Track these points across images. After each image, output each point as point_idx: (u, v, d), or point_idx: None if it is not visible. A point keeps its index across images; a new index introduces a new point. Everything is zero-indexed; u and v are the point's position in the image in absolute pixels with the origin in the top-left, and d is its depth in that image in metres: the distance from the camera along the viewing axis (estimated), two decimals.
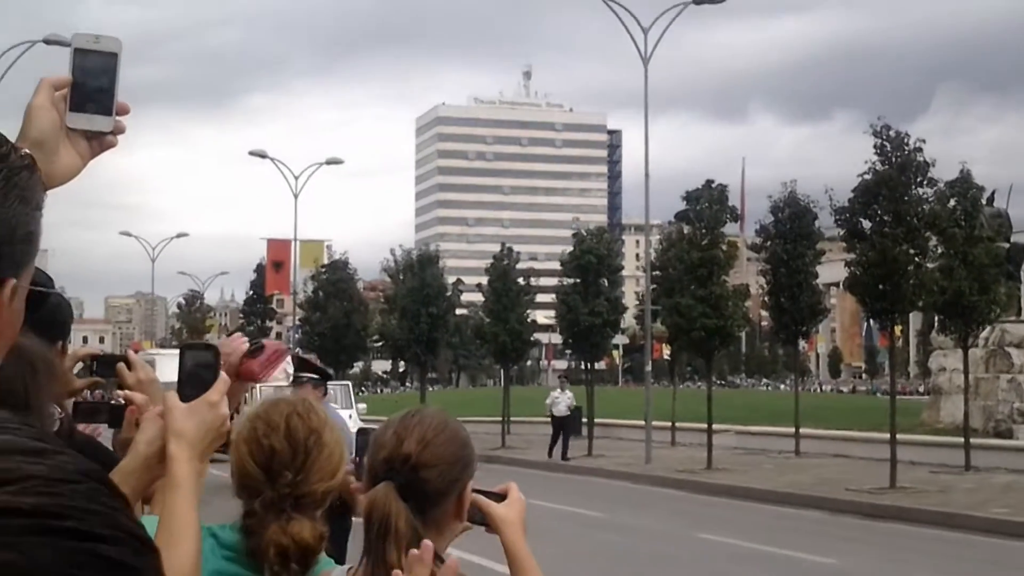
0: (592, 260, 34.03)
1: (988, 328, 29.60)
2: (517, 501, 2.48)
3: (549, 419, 31.61)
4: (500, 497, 2.47)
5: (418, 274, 44.32)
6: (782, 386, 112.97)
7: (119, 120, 1.75)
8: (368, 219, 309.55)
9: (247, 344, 2.77)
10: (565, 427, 30.83)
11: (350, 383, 23.79)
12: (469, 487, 2.29)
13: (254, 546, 2.32)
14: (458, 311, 51.58)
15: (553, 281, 39.44)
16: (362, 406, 25.73)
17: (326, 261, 54.83)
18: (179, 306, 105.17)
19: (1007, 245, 31.52)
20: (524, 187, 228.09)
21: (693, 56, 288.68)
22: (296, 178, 55.83)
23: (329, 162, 56.42)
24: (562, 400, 31.09)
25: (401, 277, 46.47)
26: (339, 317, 48.90)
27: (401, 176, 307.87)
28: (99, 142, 1.74)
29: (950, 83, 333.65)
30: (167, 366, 9.87)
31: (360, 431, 2.84)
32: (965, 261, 23.53)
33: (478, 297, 43.38)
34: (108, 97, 1.74)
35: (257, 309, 69.98)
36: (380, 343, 51.58)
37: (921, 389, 75.58)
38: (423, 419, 2.28)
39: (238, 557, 2.36)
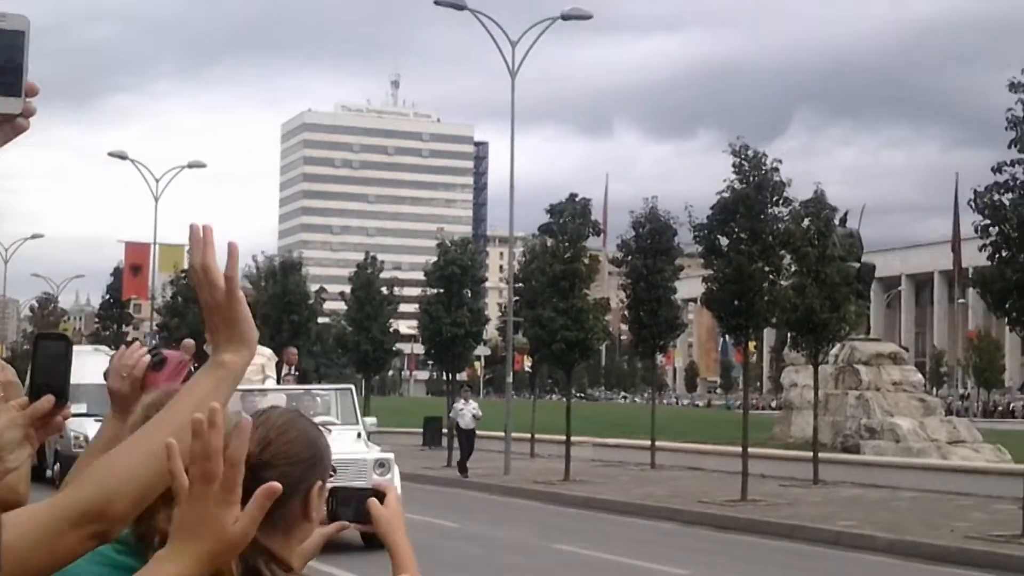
0: (456, 271, 34.13)
1: (838, 345, 30.45)
2: (396, 500, 2.51)
3: (454, 431, 30.28)
4: (378, 494, 2.48)
5: (280, 281, 43.92)
6: (640, 399, 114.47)
7: (29, 102, 1.64)
8: (231, 225, 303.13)
9: (148, 357, 2.76)
10: (471, 439, 29.32)
11: (353, 387, 20.43)
12: (318, 488, 2.27)
13: (142, 533, 2.32)
14: (320, 319, 51.11)
15: (417, 291, 39.42)
16: (372, 420, 20.56)
17: (186, 266, 54.03)
18: (32, 309, 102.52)
19: (858, 265, 32.47)
20: (390, 196, 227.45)
21: (561, 71, 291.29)
22: (157, 181, 54.92)
23: (191, 165, 55.64)
24: (467, 411, 29.57)
25: (263, 284, 45.96)
26: (197, 323, 48.11)
27: (266, 182, 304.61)
28: (11, 126, 1.64)
29: (808, 106, 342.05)
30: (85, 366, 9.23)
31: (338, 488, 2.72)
32: (817, 280, 24.17)
33: (341, 305, 43.10)
34: (16, 77, 1.63)
35: (113, 313, 68.55)
36: None
37: (774, 404, 77.19)
38: (268, 420, 2.28)
39: (129, 549, 2.35)
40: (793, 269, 24.55)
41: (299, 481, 2.23)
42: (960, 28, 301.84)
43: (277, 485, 1.76)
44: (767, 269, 22.95)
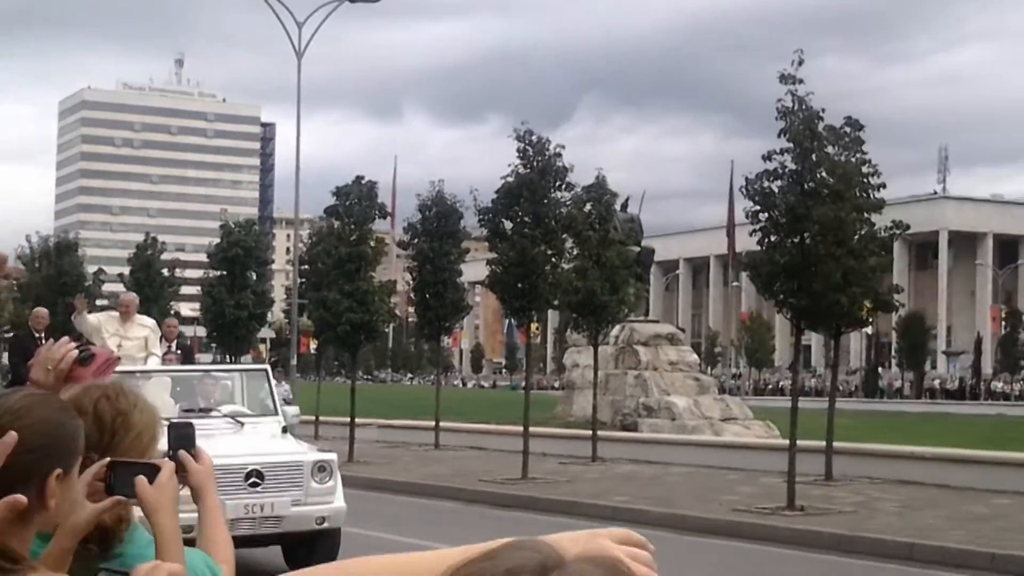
0: (239, 252, 33.68)
1: (618, 327, 31.30)
2: (169, 477, 2.53)
3: None
4: (155, 469, 2.49)
5: (55, 262, 42.53)
6: (426, 381, 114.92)
7: None
8: (3, 204, 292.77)
9: (76, 352, 2.73)
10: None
11: (268, 367, 16.68)
12: (56, 476, 2.20)
13: None
14: (99, 302, 49.74)
15: (199, 273, 38.71)
16: (294, 410, 16.07)
17: None
18: None
19: (638, 249, 33.39)
20: (173, 176, 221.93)
21: (350, 54, 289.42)
22: None
23: None
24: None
25: (36, 265, 44.41)
26: None
27: (41, 161, 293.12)
28: None
29: (593, 94, 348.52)
30: None
31: (173, 424, 2.74)
32: (598, 263, 24.77)
33: (120, 287, 42.01)
34: None
35: None
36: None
37: (557, 384, 78.50)
38: (3, 404, 2.21)
39: (44, 543, 2.36)
40: (575, 252, 25.10)
41: (30, 469, 2.16)
42: (737, 21, 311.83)
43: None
44: (550, 252, 23.41)
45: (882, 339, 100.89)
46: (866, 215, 19.42)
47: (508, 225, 23.66)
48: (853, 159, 19.41)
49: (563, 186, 23.90)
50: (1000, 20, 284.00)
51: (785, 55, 20.01)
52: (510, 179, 23.46)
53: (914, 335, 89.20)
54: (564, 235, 24.08)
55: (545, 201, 23.41)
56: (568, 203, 24.25)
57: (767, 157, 19.23)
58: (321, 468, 13.05)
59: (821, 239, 18.33)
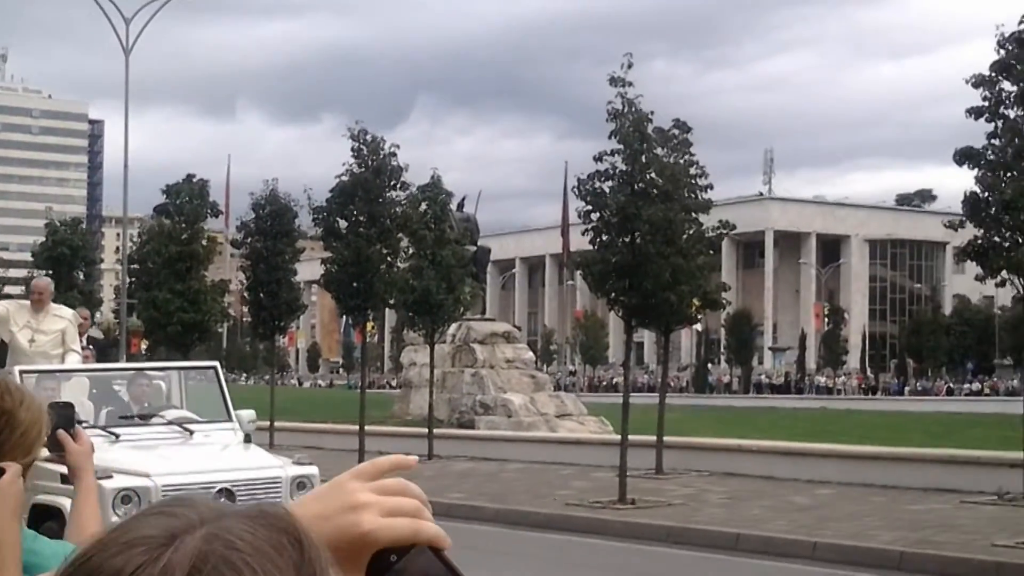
0: (66, 252, 32.88)
1: (455, 325, 31.48)
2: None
3: None
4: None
5: None
6: (260, 380, 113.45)
7: None
8: None
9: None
10: None
11: (218, 365, 13.43)
12: None
13: None
14: None
15: (24, 272, 37.62)
16: (249, 413, 12.69)
17: None
18: None
19: (474, 248, 33.63)
20: None
21: (181, 51, 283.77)
22: None
23: None
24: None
25: None
26: None
27: None
28: None
29: (429, 95, 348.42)
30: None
31: (52, 404, 2.79)
32: (434, 262, 24.90)
33: None
34: None
35: None
36: None
37: (394, 383, 78.36)
38: None
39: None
40: (411, 252, 25.18)
41: None
42: (568, 25, 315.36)
43: None
44: (385, 251, 23.45)
45: (711, 336, 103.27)
46: (694, 215, 19.94)
47: (343, 224, 23.64)
48: (682, 160, 19.91)
49: (398, 185, 23.98)
50: (821, 27, 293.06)
51: (616, 58, 20.41)
52: (345, 178, 23.45)
53: (741, 332, 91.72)
54: (399, 234, 24.16)
55: (380, 200, 23.44)
56: (403, 202, 24.33)
57: (598, 158, 19.59)
58: (301, 484, 10.76)
59: (651, 239, 18.75)
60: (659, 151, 19.62)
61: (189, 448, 11.09)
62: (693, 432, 27.88)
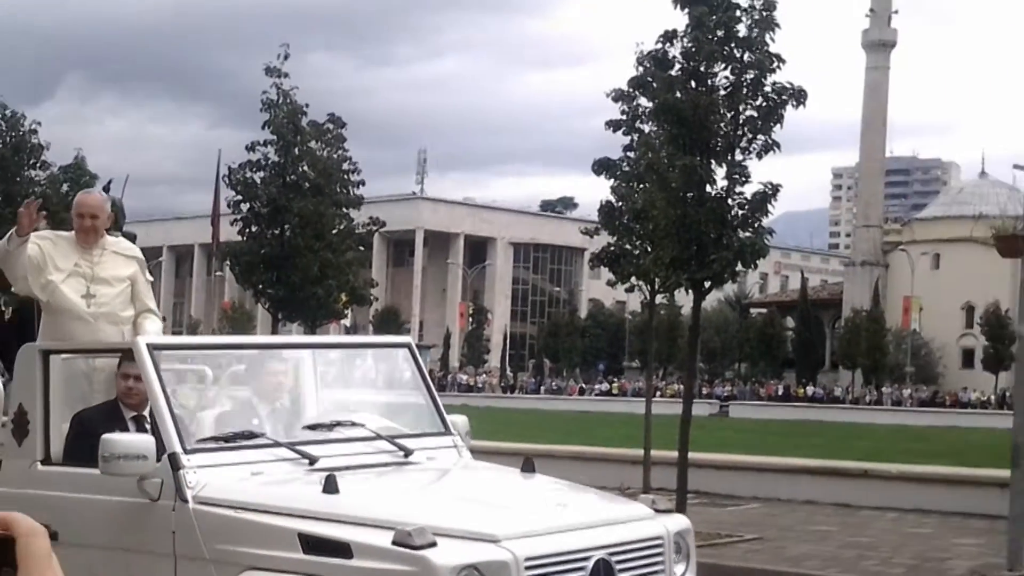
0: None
1: None
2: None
3: None
4: None
5: None
6: None
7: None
8: None
9: None
10: None
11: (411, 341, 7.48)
12: None
13: None
14: None
15: None
16: (461, 419, 7.15)
17: None
18: None
19: (119, 234, 32.52)
20: None
21: None
22: None
23: None
24: None
25: None
26: None
27: None
28: None
29: (78, 73, 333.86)
30: None
31: None
32: None
33: None
34: None
35: None
36: None
37: None
38: None
39: None
40: None
41: None
42: (229, 12, 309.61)
43: None
44: None
45: (360, 331, 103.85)
46: (345, 210, 20.14)
47: None
48: (335, 155, 20.08)
49: (39, 164, 23.01)
50: (478, 33, 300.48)
51: (274, 48, 20.35)
52: None
53: (389, 328, 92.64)
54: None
55: (18, 179, 22.44)
56: (43, 182, 23.36)
57: (251, 148, 19.50)
58: (678, 547, 6.16)
59: (300, 232, 18.82)
60: (313, 144, 19.72)
61: (456, 482, 6.64)
62: None
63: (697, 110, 15.45)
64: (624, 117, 17.71)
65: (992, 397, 75.64)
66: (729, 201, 16.89)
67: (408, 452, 6.37)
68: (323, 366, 7.08)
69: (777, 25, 16.52)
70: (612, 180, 18.75)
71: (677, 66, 15.96)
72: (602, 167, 18.56)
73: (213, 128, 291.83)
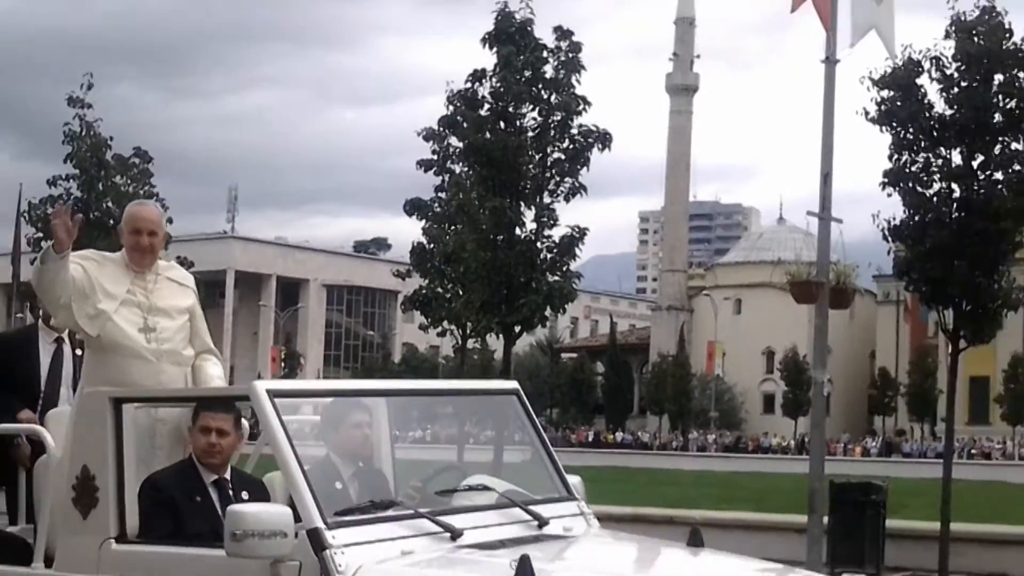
0: None
1: None
2: None
3: None
4: None
5: None
6: None
7: None
8: None
9: None
10: None
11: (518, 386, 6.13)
12: None
13: None
14: None
15: None
16: (575, 479, 5.90)
17: None
18: None
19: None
20: None
21: None
22: None
23: None
24: None
25: None
26: None
27: None
28: None
29: None
30: None
31: None
32: None
33: None
34: None
35: None
36: None
37: None
38: None
39: None
40: None
41: None
42: (30, 39, 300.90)
43: None
44: None
45: None
46: None
47: None
48: (141, 191, 19.63)
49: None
50: (290, 68, 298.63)
51: (78, 78, 19.77)
52: None
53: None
54: None
55: None
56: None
57: (52, 182, 18.95)
58: None
59: None
60: (118, 179, 19.25)
61: (627, 561, 5.64)
62: None
63: (506, 151, 15.67)
64: (435, 157, 17.83)
65: (792, 442, 77.96)
66: (538, 244, 17.15)
67: (543, 522, 5.30)
68: (417, 415, 6.38)
69: (583, 67, 16.87)
70: (424, 221, 18.83)
71: (486, 106, 16.16)
72: (414, 208, 18.61)
73: (20, 160, 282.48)
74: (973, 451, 69.21)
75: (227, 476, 5.21)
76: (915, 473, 41.13)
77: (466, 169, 17.24)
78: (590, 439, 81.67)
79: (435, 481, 5.45)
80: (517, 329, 17.04)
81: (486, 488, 5.40)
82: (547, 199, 16.46)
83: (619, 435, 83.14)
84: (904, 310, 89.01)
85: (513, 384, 6.13)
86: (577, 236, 17.06)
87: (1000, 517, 21.46)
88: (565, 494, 5.72)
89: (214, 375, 6.01)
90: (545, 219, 16.67)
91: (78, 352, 7.05)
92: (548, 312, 17.66)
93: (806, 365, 73.36)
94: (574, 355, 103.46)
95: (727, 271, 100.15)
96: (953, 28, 16.43)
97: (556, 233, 17.13)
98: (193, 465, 5.16)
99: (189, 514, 4.97)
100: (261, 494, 5.13)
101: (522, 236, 17.01)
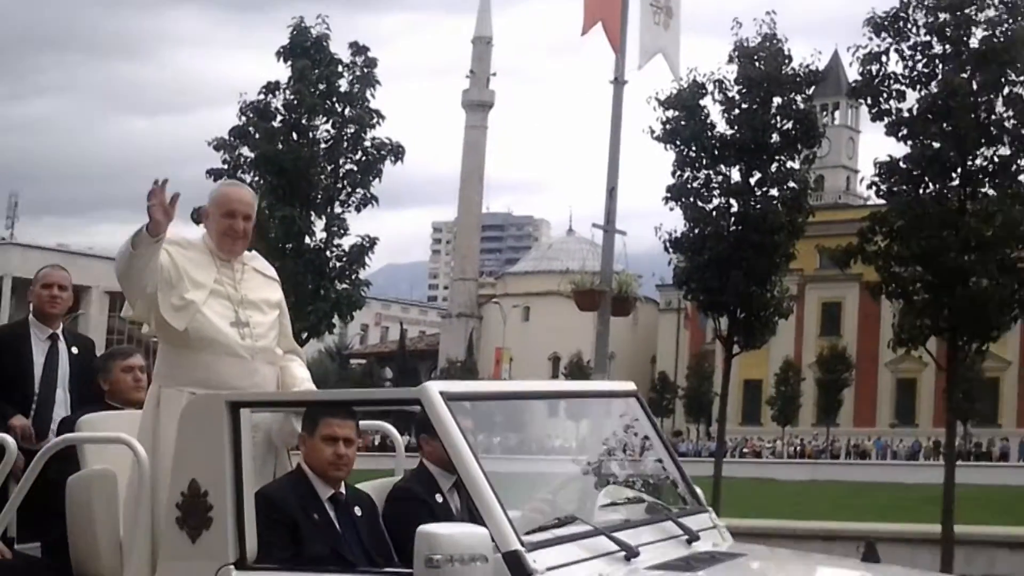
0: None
1: None
2: None
3: None
4: None
5: None
6: None
7: None
8: None
9: None
10: None
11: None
12: None
13: None
14: None
15: None
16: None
17: None
18: None
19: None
20: None
21: None
22: None
23: None
24: None
25: None
26: None
27: None
28: None
29: None
30: None
31: None
32: None
33: None
34: None
35: None
36: None
37: None
38: None
39: None
40: None
41: None
42: None
43: None
44: None
45: None
46: None
47: None
48: None
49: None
50: (79, 76, 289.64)
51: None
52: None
53: None
54: None
55: None
56: None
57: None
58: None
59: None
60: None
61: None
62: None
63: (298, 162, 15.75)
64: (226, 166, 17.75)
65: (575, 443, 79.29)
66: (328, 253, 17.25)
67: (693, 536, 4.79)
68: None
69: (378, 82, 17.13)
70: None
71: (279, 118, 16.20)
72: (201, 216, 18.45)
73: None
74: (745, 450, 71.76)
75: (342, 491, 4.61)
76: (690, 471, 42.61)
77: (257, 179, 17.23)
78: (375, 443, 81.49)
79: (563, 493, 4.97)
80: (304, 336, 17.10)
81: (640, 500, 4.99)
82: (338, 209, 16.60)
83: (406, 438, 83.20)
84: (684, 317, 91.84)
85: (631, 385, 5.61)
86: (367, 245, 17.24)
87: (767, 513, 22.55)
88: (697, 505, 5.23)
89: (303, 377, 5.29)
90: (336, 229, 16.79)
91: (74, 350, 6.64)
92: (336, 319, 17.78)
93: (590, 369, 74.96)
94: (363, 361, 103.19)
95: (517, 280, 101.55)
96: (736, 53, 17.34)
97: (346, 242, 17.28)
98: (305, 478, 4.54)
99: (309, 534, 4.36)
100: (372, 510, 4.69)
101: (312, 245, 17.10)
